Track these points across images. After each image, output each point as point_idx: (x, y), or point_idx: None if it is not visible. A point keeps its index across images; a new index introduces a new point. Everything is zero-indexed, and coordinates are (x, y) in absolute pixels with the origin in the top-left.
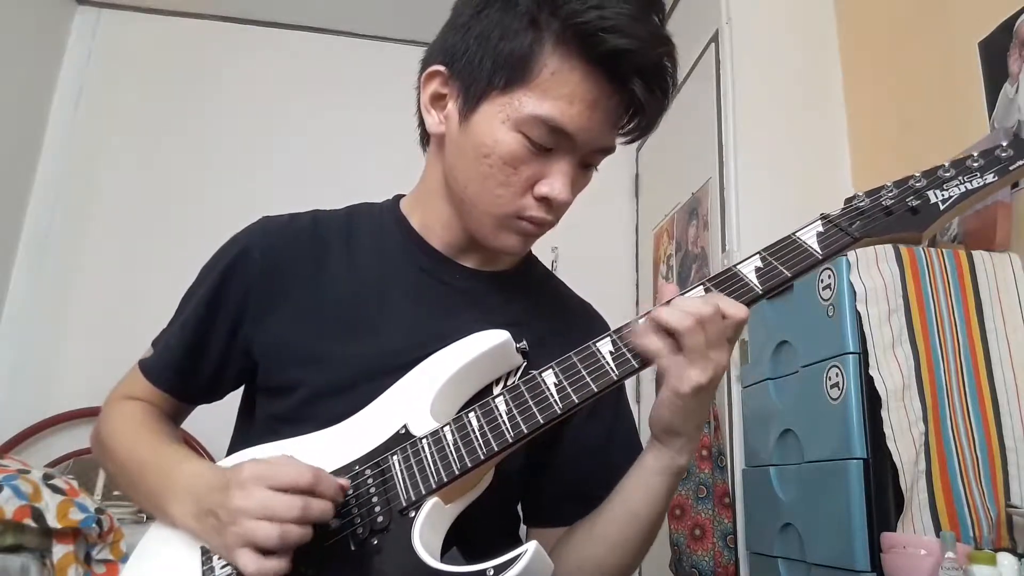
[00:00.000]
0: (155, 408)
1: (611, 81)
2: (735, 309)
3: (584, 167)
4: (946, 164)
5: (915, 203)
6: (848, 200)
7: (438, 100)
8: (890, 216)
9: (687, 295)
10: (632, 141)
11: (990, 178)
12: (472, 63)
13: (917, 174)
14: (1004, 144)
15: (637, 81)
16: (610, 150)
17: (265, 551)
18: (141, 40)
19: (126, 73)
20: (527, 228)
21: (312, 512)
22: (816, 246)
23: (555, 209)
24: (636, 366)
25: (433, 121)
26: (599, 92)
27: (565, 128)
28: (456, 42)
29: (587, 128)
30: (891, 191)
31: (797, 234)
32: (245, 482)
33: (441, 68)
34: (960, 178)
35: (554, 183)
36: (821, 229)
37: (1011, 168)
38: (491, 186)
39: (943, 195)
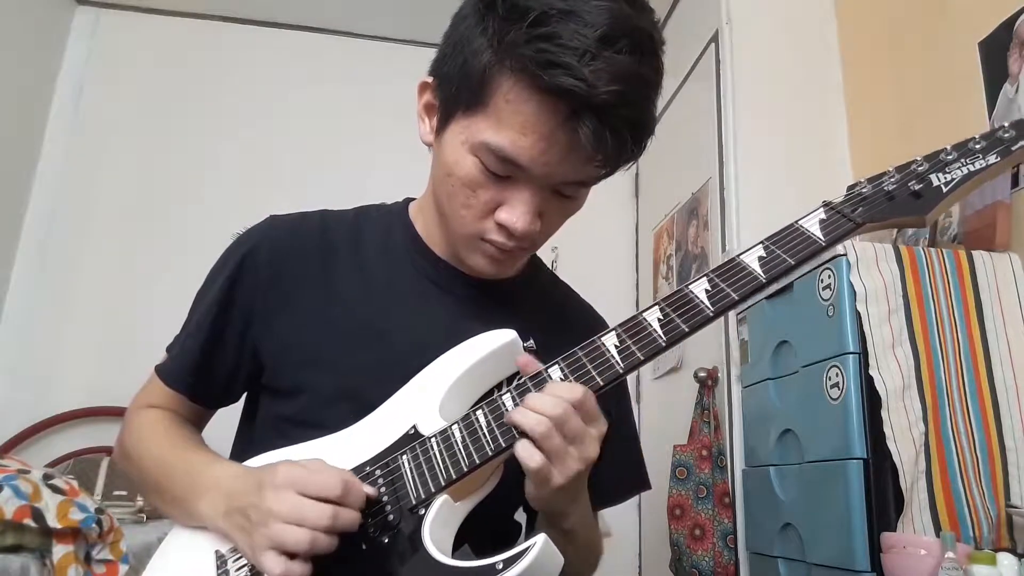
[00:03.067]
0: (175, 415)
1: (570, 116)
2: (571, 393)
3: (560, 195)
4: (948, 147)
5: (917, 187)
6: (851, 187)
7: (431, 109)
8: (892, 201)
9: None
10: (605, 176)
11: (992, 159)
12: (447, 79)
13: (919, 158)
14: (1006, 125)
15: (587, 120)
16: (584, 183)
17: (291, 555)
18: (141, 40)
19: (126, 73)
20: (491, 251)
21: (342, 522)
22: (819, 233)
23: (520, 237)
24: (641, 359)
25: (425, 130)
26: (555, 125)
27: (516, 160)
28: (440, 55)
29: (542, 161)
30: (893, 176)
31: (800, 222)
32: (280, 485)
33: (429, 80)
34: (962, 160)
35: (513, 211)
36: (823, 216)
37: (1013, 148)
38: (455, 206)
39: (945, 178)
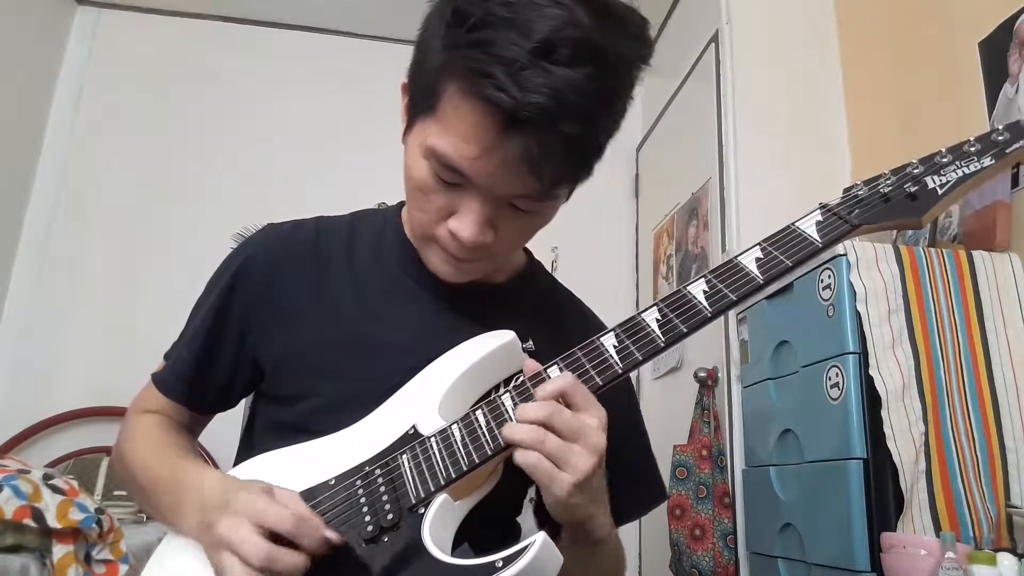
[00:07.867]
0: (170, 420)
1: (504, 128)
2: (554, 386)
3: (516, 208)
4: (943, 150)
5: (913, 189)
6: (847, 189)
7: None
8: (888, 203)
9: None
10: (561, 196)
11: (987, 161)
12: (412, 82)
13: (914, 161)
14: (1000, 128)
15: (519, 134)
16: (537, 198)
17: None
18: (141, 40)
19: (126, 73)
20: (445, 257)
21: (278, 565)
22: (815, 235)
23: (469, 248)
24: (640, 359)
25: (402, 131)
26: (494, 135)
27: (460, 168)
28: (413, 56)
29: (485, 172)
30: (889, 179)
31: (796, 224)
32: (237, 511)
33: (406, 81)
34: (957, 163)
35: (460, 220)
36: (820, 218)
37: (1008, 151)
38: (412, 208)
39: (941, 180)
